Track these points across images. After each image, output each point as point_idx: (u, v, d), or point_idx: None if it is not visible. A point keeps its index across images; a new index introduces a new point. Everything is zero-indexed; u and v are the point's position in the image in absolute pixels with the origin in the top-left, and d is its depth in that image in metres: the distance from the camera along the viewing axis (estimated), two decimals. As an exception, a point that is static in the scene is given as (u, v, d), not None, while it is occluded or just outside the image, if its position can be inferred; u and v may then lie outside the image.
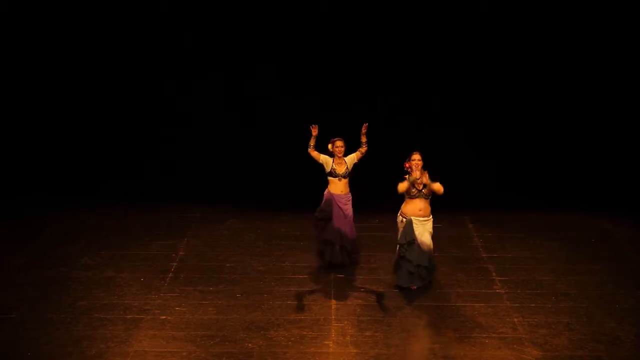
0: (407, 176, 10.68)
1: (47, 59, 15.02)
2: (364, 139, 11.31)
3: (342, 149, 11.34)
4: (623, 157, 15.07)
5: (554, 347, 9.42)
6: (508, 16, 14.73)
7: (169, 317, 10.14)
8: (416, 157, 10.69)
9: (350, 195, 11.54)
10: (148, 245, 12.47)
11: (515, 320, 10.07)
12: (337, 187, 11.45)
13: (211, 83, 15.20)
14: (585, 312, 10.29)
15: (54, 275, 11.35)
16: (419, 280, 10.84)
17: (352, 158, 11.43)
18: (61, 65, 15.05)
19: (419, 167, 10.64)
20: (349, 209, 11.53)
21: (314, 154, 11.44)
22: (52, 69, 15.06)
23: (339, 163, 11.39)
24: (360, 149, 11.41)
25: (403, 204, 10.86)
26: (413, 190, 10.65)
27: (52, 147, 15.33)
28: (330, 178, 11.46)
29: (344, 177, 11.40)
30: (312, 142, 11.39)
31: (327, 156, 11.43)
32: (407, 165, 10.69)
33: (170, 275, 11.39)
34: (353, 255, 11.82)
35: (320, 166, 11.49)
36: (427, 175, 10.69)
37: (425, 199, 10.73)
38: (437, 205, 10.83)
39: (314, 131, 11.34)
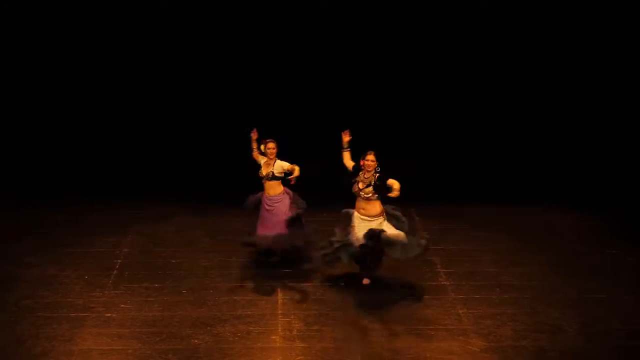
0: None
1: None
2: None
3: (273, 150, 11.09)
4: (567, 148, 15.26)
5: (498, 338, 9.52)
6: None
7: (113, 315, 10.05)
8: (370, 157, 10.41)
9: (279, 197, 11.20)
10: (92, 242, 12.34)
11: (460, 311, 10.16)
12: (266, 188, 11.24)
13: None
14: (529, 302, 10.41)
15: (-4, 274, 11.20)
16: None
17: (282, 165, 11.06)
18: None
19: (373, 168, 10.40)
20: (277, 211, 11.18)
21: (257, 157, 11.35)
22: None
23: (267, 164, 11.16)
24: (295, 167, 10.84)
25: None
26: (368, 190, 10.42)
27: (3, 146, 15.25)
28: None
29: (267, 179, 11.15)
30: (254, 146, 11.35)
31: (262, 157, 11.25)
32: (362, 162, 10.44)
33: (115, 272, 11.30)
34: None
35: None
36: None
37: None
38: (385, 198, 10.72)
39: (254, 135, 11.33)
